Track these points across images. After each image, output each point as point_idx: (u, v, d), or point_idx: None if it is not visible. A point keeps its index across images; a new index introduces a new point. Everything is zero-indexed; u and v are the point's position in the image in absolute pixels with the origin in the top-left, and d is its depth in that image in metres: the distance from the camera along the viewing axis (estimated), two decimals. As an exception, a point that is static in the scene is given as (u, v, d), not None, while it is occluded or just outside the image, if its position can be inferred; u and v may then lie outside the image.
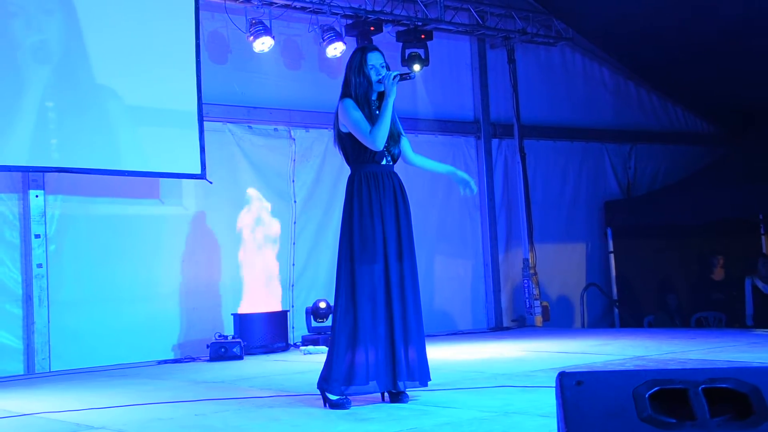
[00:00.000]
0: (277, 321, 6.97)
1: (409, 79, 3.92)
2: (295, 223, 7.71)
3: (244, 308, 6.96)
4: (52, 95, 6.24)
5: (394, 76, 3.80)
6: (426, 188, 8.49)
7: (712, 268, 9.68)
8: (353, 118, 3.80)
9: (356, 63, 3.87)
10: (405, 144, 4.01)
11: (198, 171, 6.82)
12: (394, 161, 3.94)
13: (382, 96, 3.85)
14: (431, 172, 4.21)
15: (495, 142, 9.20)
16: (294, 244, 7.67)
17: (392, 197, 3.84)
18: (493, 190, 9.05)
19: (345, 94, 3.89)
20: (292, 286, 7.63)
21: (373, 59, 3.87)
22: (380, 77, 3.85)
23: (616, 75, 10.30)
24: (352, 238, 3.78)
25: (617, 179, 10.19)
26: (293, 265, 7.65)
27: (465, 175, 4.03)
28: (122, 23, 6.55)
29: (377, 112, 3.85)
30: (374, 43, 7.32)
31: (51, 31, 6.28)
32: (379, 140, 3.76)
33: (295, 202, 7.75)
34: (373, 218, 3.78)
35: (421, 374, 3.79)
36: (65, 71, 6.31)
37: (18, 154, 6.10)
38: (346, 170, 3.97)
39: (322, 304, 7.12)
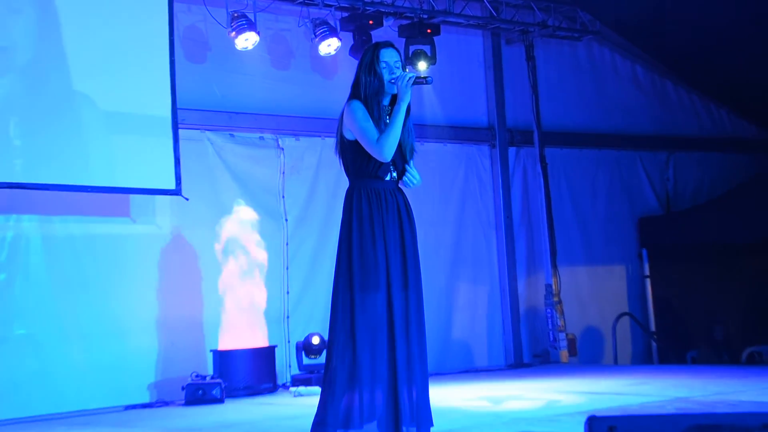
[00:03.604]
0: (264, 358, 6.98)
1: (426, 83, 3.94)
2: (287, 244, 7.73)
3: (225, 344, 6.96)
4: (10, 104, 6.26)
5: (408, 78, 3.83)
6: (435, 205, 8.52)
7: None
8: (360, 124, 3.83)
9: (367, 60, 3.92)
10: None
11: (172, 186, 6.84)
12: (400, 178, 3.96)
13: (395, 101, 3.88)
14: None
15: (512, 150, 9.23)
16: (287, 268, 7.69)
17: (396, 217, 3.87)
18: (511, 205, 9.07)
19: (353, 95, 3.92)
20: (287, 317, 7.64)
21: (387, 56, 3.92)
22: (393, 77, 3.88)
23: (651, 73, 10.35)
24: (350, 263, 3.81)
25: (654, 192, 10.21)
26: (287, 293, 7.67)
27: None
28: (83, 18, 6.57)
29: (388, 119, 3.88)
30: (374, 40, 7.39)
31: (17, 33, 6.31)
32: (387, 150, 3.80)
33: (286, 220, 7.78)
34: (375, 240, 3.80)
35: (426, 418, 3.80)
36: (25, 78, 6.33)
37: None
38: (344, 184, 4.00)
39: (315, 339, 7.12)
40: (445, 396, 5.70)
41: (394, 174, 3.94)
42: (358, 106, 3.86)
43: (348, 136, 3.90)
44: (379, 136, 3.81)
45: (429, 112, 8.67)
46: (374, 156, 3.83)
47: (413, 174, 3.95)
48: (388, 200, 3.88)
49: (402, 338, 3.78)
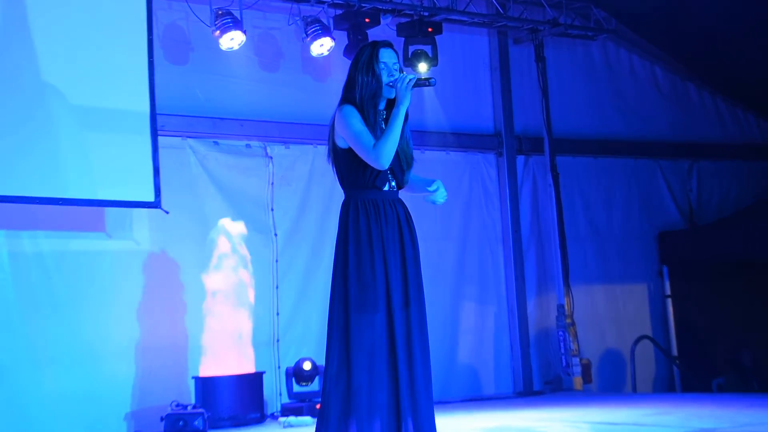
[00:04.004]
0: (251, 385, 6.97)
1: (429, 85, 3.94)
2: (277, 261, 7.74)
3: (208, 370, 6.95)
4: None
5: (409, 80, 3.84)
6: (437, 218, 8.53)
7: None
8: (354, 129, 3.83)
9: (364, 59, 3.92)
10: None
11: (151, 198, 6.84)
12: (399, 187, 3.96)
13: (392, 105, 3.88)
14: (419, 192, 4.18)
15: (521, 159, 9.26)
16: (277, 287, 7.70)
17: (396, 230, 3.88)
18: (519, 219, 9.08)
19: (346, 98, 3.92)
20: (277, 341, 7.64)
21: (386, 56, 3.93)
22: (392, 79, 3.90)
23: (672, 74, 10.38)
24: (346, 282, 3.81)
25: (675, 204, 10.23)
26: (277, 314, 7.67)
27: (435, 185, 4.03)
28: (53, 16, 6.55)
29: (384, 125, 3.89)
30: (370, 39, 7.40)
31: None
32: (384, 156, 3.79)
33: (276, 235, 7.79)
34: (373, 256, 3.81)
35: (433, 451, 3.81)
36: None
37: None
38: (338, 195, 4.01)
39: (307, 365, 7.13)
40: (451, 427, 5.69)
41: (393, 184, 3.94)
42: (351, 111, 3.86)
43: (340, 143, 3.90)
44: (376, 142, 3.81)
45: (430, 117, 8.69)
46: (370, 164, 3.83)
47: (440, 193, 3.97)
48: (387, 212, 3.88)
49: (404, 363, 3.78)
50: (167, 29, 7.51)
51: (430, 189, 4.00)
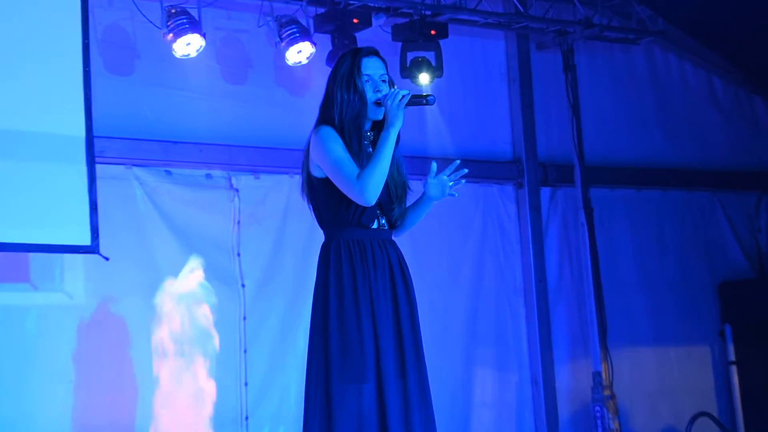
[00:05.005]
0: (211, 475, 6.97)
1: (427, 104, 3.99)
2: (244, 319, 7.73)
3: (159, 456, 6.96)
4: None
5: (403, 96, 3.88)
6: (443, 264, 8.53)
7: None
8: (333, 156, 3.87)
9: (344, 72, 3.97)
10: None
11: (87, 241, 6.81)
12: (391, 226, 3.98)
13: (380, 127, 3.92)
14: (419, 219, 4.23)
15: (546, 191, 9.29)
16: (245, 351, 7.68)
17: (387, 278, 3.92)
18: (545, 265, 9.10)
19: (323, 119, 3.98)
20: (246, 418, 7.62)
21: (371, 67, 3.99)
22: (380, 96, 3.93)
23: (733, 87, 10.45)
24: (327, 343, 3.84)
25: (741, 247, 10.25)
26: (246, 384, 7.65)
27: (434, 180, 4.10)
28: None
29: (370, 149, 3.91)
30: (359, 43, 7.45)
31: None
32: (370, 190, 3.82)
33: (243, 286, 7.78)
34: (359, 310, 3.84)
35: None
36: None
37: None
38: (320, 236, 4.04)
39: (282, 448, 7.13)
40: None
41: (383, 220, 3.96)
42: (330, 133, 3.91)
43: (317, 173, 3.95)
44: (360, 171, 3.83)
45: (434, 141, 8.71)
46: (353, 198, 3.87)
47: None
48: (376, 256, 3.92)
49: (402, 442, 3.80)
50: (107, 32, 7.52)
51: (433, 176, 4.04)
